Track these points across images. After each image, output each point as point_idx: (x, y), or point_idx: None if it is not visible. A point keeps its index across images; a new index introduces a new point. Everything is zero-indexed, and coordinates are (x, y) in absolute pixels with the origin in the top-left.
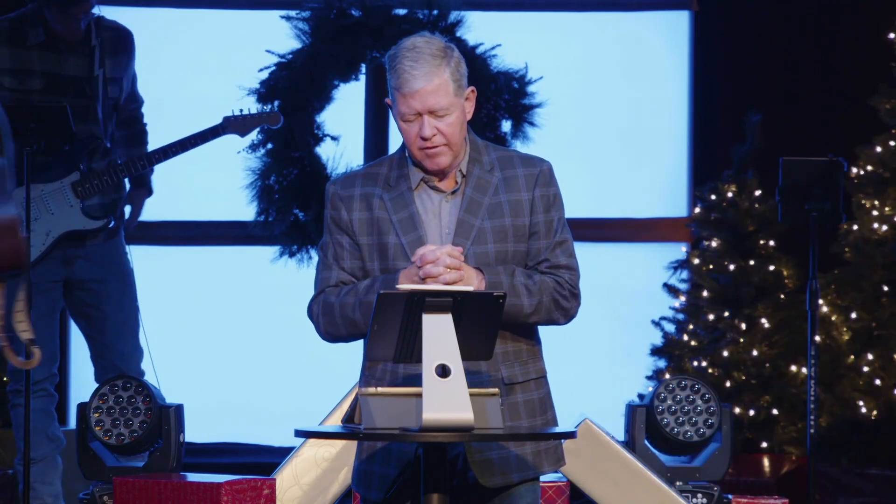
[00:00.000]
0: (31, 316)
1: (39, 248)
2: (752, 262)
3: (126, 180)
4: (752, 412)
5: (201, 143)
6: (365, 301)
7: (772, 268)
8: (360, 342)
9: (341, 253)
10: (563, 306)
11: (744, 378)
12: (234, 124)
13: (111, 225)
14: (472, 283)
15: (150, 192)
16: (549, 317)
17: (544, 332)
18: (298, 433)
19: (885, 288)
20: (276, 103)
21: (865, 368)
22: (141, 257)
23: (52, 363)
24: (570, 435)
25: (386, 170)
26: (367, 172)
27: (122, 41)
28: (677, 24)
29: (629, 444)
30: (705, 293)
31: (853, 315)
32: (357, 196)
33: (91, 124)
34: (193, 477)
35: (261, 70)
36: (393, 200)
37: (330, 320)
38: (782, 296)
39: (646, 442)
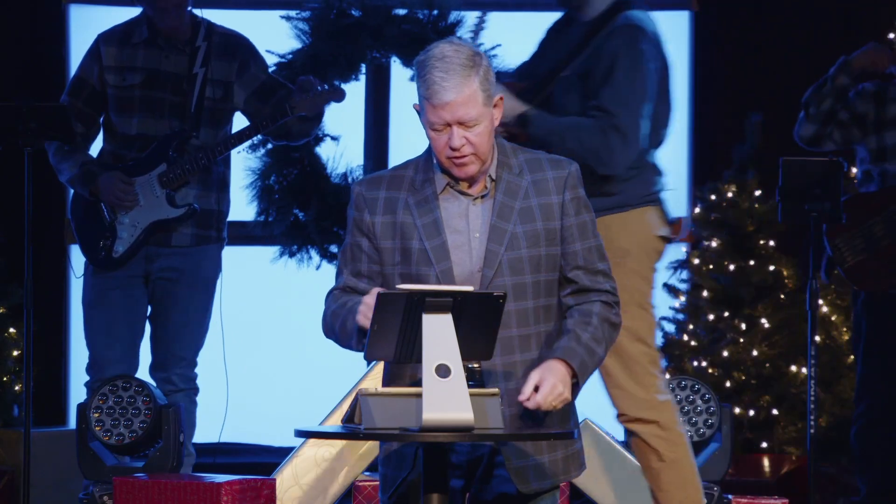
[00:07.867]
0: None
1: (128, 241)
2: (752, 262)
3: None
4: (752, 412)
5: (274, 124)
6: (345, 318)
7: (772, 268)
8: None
9: (358, 255)
10: (615, 323)
11: (744, 378)
12: (302, 103)
13: (195, 212)
14: (565, 379)
15: None
16: (612, 342)
17: None
18: (298, 433)
19: None
20: (336, 83)
21: None
22: None
23: (127, 361)
24: (570, 435)
25: (412, 172)
26: (393, 175)
27: (232, 47)
28: (677, 24)
29: (629, 444)
30: (705, 293)
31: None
32: (381, 199)
33: (181, 120)
34: (193, 477)
35: None
36: (418, 205)
37: (324, 323)
38: (782, 296)
39: None
